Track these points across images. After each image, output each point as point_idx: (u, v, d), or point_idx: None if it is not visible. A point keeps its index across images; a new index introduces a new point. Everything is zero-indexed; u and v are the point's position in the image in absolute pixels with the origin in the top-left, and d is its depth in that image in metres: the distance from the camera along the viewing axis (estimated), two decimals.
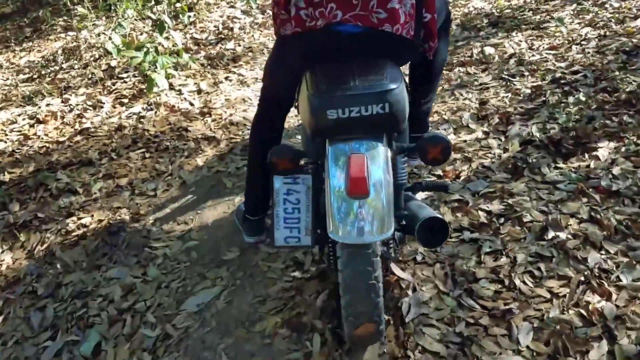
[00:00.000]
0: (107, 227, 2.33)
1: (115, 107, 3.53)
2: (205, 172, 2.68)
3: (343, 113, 1.25)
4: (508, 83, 3.00)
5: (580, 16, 3.60)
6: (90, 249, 2.23)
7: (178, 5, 4.93)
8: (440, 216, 1.36)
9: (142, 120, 3.26)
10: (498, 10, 4.14)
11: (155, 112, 3.33)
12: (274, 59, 1.73)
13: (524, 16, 3.89)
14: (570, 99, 2.63)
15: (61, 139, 3.20)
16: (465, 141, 2.57)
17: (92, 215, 2.43)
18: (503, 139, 2.52)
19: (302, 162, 1.42)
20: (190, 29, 4.75)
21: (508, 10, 4.09)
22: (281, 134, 1.92)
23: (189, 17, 4.74)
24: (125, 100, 3.58)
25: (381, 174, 1.24)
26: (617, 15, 3.44)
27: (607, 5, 3.65)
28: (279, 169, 1.37)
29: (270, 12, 4.84)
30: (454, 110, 2.86)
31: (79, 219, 2.44)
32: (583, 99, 2.59)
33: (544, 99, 2.72)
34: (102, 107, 3.53)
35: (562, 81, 2.82)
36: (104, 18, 5.12)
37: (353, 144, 1.28)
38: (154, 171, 2.73)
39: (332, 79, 1.34)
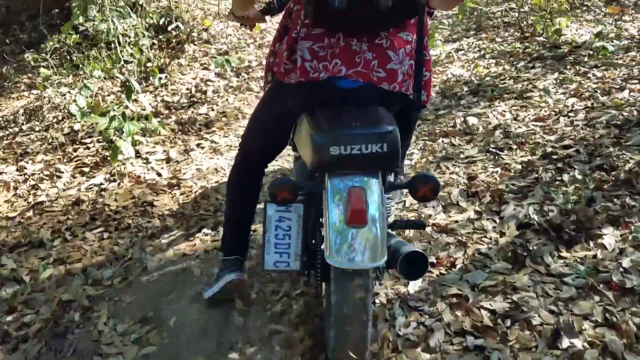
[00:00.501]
0: (53, 327, 2.00)
1: (74, 177, 3.25)
2: (170, 256, 2.40)
3: (345, 150, 1.36)
4: (496, 157, 2.84)
5: (564, 86, 3.54)
6: (31, 356, 1.89)
7: (149, 64, 4.76)
8: (420, 250, 1.45)
9: (102, 193, 2.98)
10: (478, 78, 4.08)
11: (119, 184, 3.06)
12: (269, 101, 1.76)
13: (505, 85, 3.82)
14: (565, 177, 2.47)
15: (12, 215, 2.88)
16: (456, 222, 2.37)
17: (37, 311, 2.10)
18: (498, 220, 2.32)
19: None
20: (162, 91, 4.55)
21: (488, 78, 4.03)
22: (260, 189, 1.93)
23: (160, 79, 4.55)
24: (87, 169, 3.30)
25: (376, 208, 1.34)
26: (602, 85, 3.38)
27: (589, 75, 3.60)
28: (279, 200, 1.46)
29: (246, 75, 4.70)
30: (441, 186, 2.67)
31: (22, 315, 2.11)
32: (579, 177, 2.44)
33: (536, 175, 2.56)
34: (60, 177, 3.24)
35: (554, 156, 2.68)
36: (70, 77, 4.90)
37: (351, 179, 1.38)
38: (111, 255, 2.43)
39: (333, 119, 1.47)
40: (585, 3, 5.73)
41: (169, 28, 5.78)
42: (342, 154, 1.36)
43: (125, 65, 4.46)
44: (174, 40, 5.73)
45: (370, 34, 1.51)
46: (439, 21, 5.77)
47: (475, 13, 5.89)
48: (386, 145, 1.37)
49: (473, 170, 2.76)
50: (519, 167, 2.68)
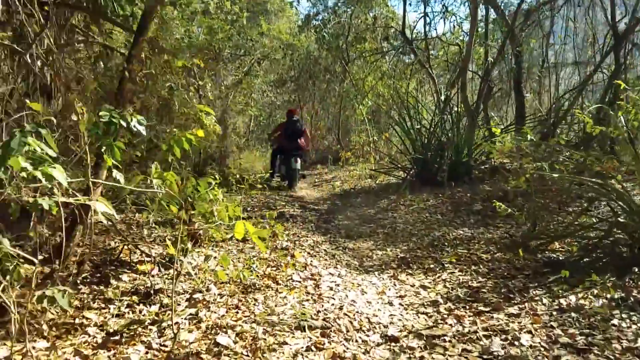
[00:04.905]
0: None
1: None
2: None
3: (288, 149, 9.68)
4: None
5: None
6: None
7: None
8: (297, 169, 9.81)
9: None
10: None
11: None
12: (275, 150, 10.09)
13: None
14: None
15: None
16: None
17: None
18: None
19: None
20: None
21: None
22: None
23: None
24: None
25: (298, 162, 9.72)
26: None
27: None
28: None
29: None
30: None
31: None
32: None
33: None
34: None
35: None
36: None
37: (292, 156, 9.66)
38: None
39: (286, 150, 9.78)
40: None
41: None
42: (288, 152, 9.56)
43: None
44: None
45: (295, 140, 9.62)
46: None
47: None
48: (298, 151, 9.63)
49: None
50: None
